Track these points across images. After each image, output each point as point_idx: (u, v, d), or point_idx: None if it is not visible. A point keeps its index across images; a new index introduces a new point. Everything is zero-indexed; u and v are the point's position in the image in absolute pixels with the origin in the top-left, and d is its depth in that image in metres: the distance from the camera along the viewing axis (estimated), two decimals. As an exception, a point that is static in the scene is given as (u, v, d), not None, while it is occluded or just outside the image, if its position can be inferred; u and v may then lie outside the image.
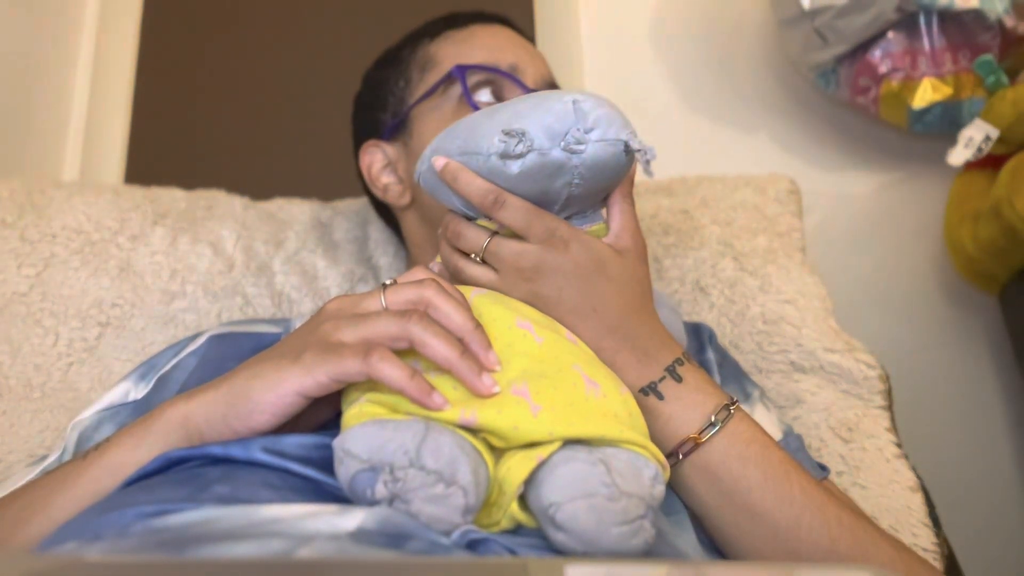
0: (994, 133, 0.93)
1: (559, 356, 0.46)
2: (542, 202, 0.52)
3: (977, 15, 0.97)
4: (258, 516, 0.38)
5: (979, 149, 0.94)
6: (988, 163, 0.98)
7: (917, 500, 0.69)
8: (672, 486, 0.52)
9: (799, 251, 0.88)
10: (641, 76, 1.23)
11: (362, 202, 0.93)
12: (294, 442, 0.44)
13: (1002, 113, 0.92)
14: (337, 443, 0.40)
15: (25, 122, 1.15)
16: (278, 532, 0.37)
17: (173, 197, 0.90)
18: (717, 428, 0.50)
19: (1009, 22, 0.98)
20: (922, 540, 0.66)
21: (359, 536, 0.36)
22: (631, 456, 0.42)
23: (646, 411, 0.50)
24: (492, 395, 0.42)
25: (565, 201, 0.52)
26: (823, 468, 0.60)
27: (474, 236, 0.53)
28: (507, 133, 0.48)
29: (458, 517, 0.38)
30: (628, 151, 0.50)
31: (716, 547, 0.53)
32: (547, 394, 0.43)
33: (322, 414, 0.48)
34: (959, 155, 0.95)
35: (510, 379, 0.43)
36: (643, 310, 0.54)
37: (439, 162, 0.52)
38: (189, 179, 0.95)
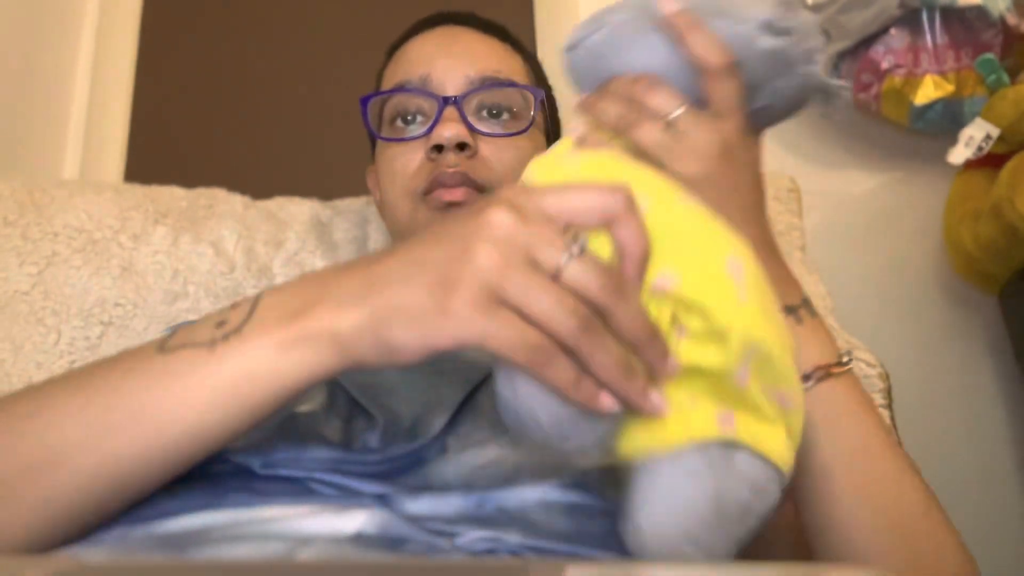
0: (995, 132, 0.93)
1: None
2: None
3: (980, 12, 0.97)
4: (259, 516, 0.38)
5: (979, 148, 0.94)
6: (988, 162, 0.98)
7: (916, 500, 0.69)
8: None
9: (799, 250, 0.88)
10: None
11: (362, 202, 0.93)
12: (313, 457, 0.45)
13: (1003, 112, 0.92)
14: None
15: (25, 122, 1.15)
16: (277, 533, 0.37)
17: (174, 196, 0.90)
18: (848, 367, 0.48)
19: (1011, 20, 0.97)
20: (920, 540, 0.66)
21: (359, 540, 0.36)
22: (760, 469, 0.35)
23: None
24: (658, 414, 0.35)
25: (755, 112, 0.50)
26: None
27: (670, 97, 0.47)
28: (783, 4, 0.47)
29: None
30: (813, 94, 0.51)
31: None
32: (755, 289, 0.38)
33: None
34: (959, 154, 0.95)
35: (724, 256, 0.38)
36: None
37: (670, 5, 0.47)
38: (189, 179, 0.95)
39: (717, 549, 0.35)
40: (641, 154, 0.48)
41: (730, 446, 0.35)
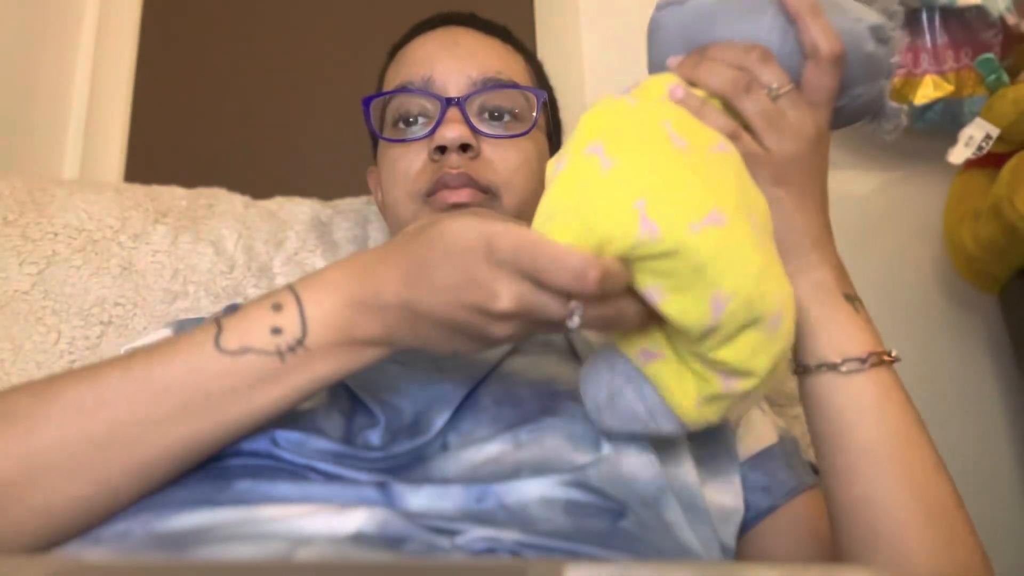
0: (994, 132, 0.93)
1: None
2: None
3: (979, 12, 0.98)
4: (259, 515, 0.38)
5: (979, 148, 0.94)
6: (988, 162, 0.98)
7: (916, 500, 0.69)
8: (836, 395, 0.50)
9: (799, 250, 0.88)
10: (641, 76, 1.22)
11: (362, 201, 0.93)
12: (315, 448, 0.45)
13: (1003, 112, 0.92)
14: None
15: (25, 120, 1.15)
16: (277, 533, 0.37)
17: (174, 195, 0.90)
18: (896, 361, 0.50)
19: (1011, 20, 0.98)
20: (920, 540, 0.66)
21: (358, 540, 0.36)
22: (657, 403, 0.44)
23: (844, 314, 0.50)
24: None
25: (835, 109, 0.52)
26: (817, 472, 0.60)
27: (781, 73, 0.49)
28: (891, 16, 0.49)
29: None
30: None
31: (734, 547, 0.53)
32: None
33: None
34: (959, 153, 0.95)
35: (748, 227, 0.41)
36: None
37: None
38: (189, 179, 0.95)
39: (611, 426, 0.46)
40: (737, 118, 0.49)
41: (641, 372, 0.44)
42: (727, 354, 0.41)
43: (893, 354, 0.50)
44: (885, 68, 0.51)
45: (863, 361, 0.49)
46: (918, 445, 0.49)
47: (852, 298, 0.51)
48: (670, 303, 0.40)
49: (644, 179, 0.40)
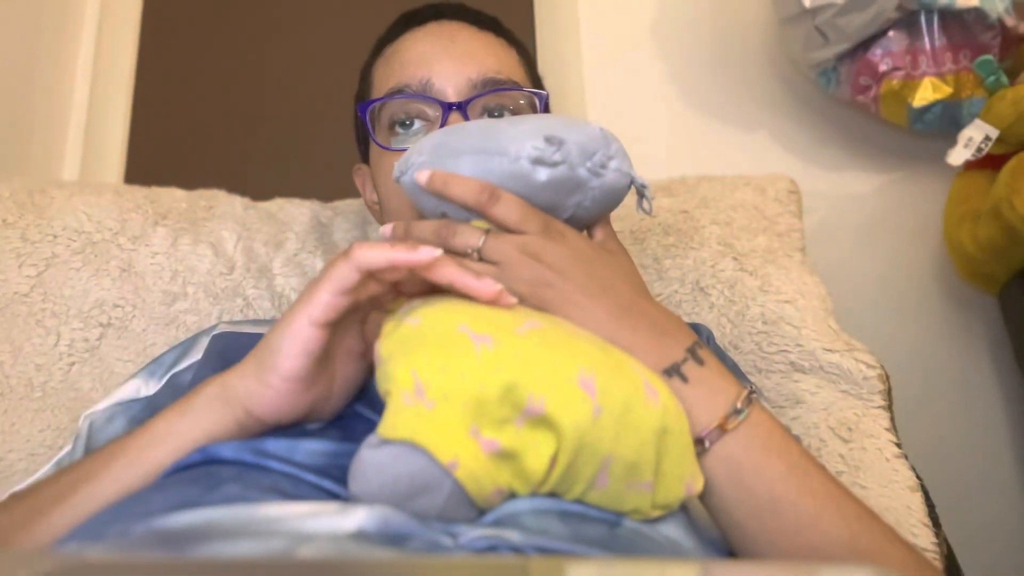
0: (994, 133, 0.93)
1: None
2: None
3: (978, 14, 0.98)
4: (258, 515, 0.38)
5: (979, 149, 0.94)
6: (988, 163, 0.98)
7: (916, 500, 0.69)
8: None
9: (799, 251, 0.88)
10: (641, 76, 1.23)
11: (361, 202, 0.93)
12: (307, 449, 0.45)
13: (1002, 113, 0.92)
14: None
15: (25, 122, 1.15)
16: (278, 532, 0.37)
17: (174, 197, 0.90)
18: (743, 415, 0.47)
19: (1009, 21, 0.98)
20: (921, 540, 0.66)
21: (359, 537, 0.36)
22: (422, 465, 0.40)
23: None
24: (493, 296, 0.44)
25: (566, 220, 0.54)
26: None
27: (470, 231, 0.51)
28: (548, 140, 0.50)
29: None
30: (631, 186, 0.54)
31: (715, 545, 0.52)
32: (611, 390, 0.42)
33: (349, 370, 0.49)
34: (959, 155, 0.95)
35: (577, 367, 0.42)
36: (649, 295, 0.53)
37: (423, 176, 0.51)
38: (189, 180, 0.95)
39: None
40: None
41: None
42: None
43: (739, 407, 0.47)
44: (583, 177, 0.51)
45: (701, 442, 0.47)
46: (786, 506, 0.46)
47: (678, 365, 0.48)
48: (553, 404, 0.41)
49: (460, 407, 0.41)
